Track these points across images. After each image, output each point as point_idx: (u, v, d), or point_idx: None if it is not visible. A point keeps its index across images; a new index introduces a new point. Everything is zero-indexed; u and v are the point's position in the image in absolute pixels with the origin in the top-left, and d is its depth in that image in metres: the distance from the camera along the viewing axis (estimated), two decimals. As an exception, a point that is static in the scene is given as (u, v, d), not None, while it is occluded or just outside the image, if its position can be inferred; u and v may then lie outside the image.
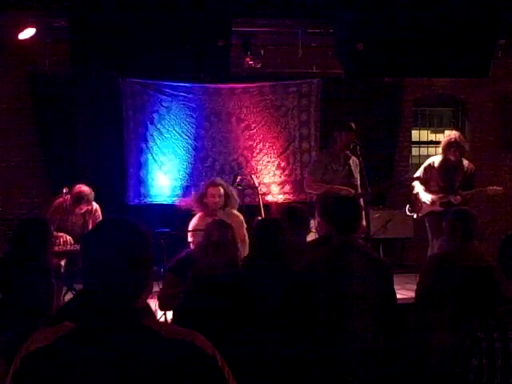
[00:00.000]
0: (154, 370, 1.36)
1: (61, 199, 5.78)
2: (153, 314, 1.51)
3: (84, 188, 5.66)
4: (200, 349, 1.42)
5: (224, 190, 5.24)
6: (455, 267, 3.24)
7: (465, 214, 3.55)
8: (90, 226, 5.79)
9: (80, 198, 5.60)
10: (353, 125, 5.68)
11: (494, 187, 5.92)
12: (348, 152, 5.71)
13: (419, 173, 6.12)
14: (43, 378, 1.37)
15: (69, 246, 5.52)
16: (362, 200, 5.46)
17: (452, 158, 5.81)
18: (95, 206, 5.83)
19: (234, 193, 5.42)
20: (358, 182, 5.81)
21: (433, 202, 5.86)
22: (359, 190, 5.73)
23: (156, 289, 3.92)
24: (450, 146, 5.79)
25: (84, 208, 5.69)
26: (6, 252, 3.41)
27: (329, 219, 3.31)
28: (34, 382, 1.37)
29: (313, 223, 5.23)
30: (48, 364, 1.37)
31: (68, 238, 5.53)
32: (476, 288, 3.16)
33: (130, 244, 1.46)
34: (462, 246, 3.40)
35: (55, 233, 5.27)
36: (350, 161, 5.72)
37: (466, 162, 5.93)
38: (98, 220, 5.83)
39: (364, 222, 5.55)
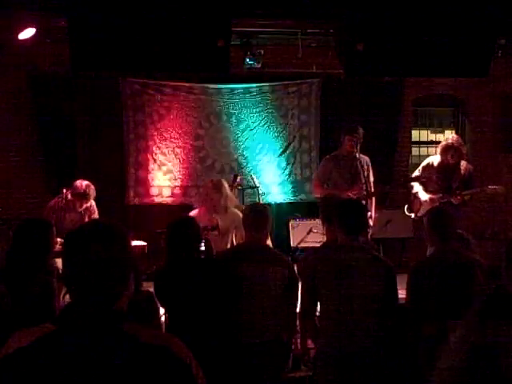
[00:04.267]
0: (127, 374, 1.37)
1: (55, 199, 5.77)
2: (131, 318, 1.51)
3: (89, 183, 5.63)
4: (175, 355, 1.42)
5: (225, 190, 5.26)
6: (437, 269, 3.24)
7: (440, 213, 3.54)
8: None
9: (87, 194, 5.59)
10: (358, 129, 5.66)
11: (494, 186, 5.91)
12: (356, 154, 5.69)
13: (418, 172, 6.13)
14: (21, 380, 1.37)
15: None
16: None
17: (450, 161, 5.81)
18: (92, 202, 5.83)
19: (231, 193, 5.43)
20: (371, 179, 5.81)
21: (432, 201, 5.86)
22: (372, 189, 5.73)
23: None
24: (447, 149, 5.79)
25: (84, 205, 5.69)
26: (7, 253, 3.39)
27: (334, 221, 3.32)
28: (12, 383, 1.37)
29: (318, 224, 5.28)
30: (26, 366, 1.37)
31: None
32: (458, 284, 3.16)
33: (106, 246, 1.46)
34: (442, 246, 3.38)
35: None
36: (358, 162, 5.69)
37: (463, 163, 5.93)
38: (94, 216, 5.83)
39: (371, 222, 5.58)
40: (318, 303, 3.25)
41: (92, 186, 5.65)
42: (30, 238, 3.29)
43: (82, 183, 5.63)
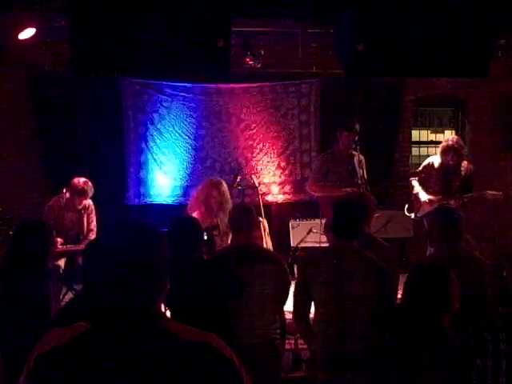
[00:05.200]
0: (170, 372, 1.35)
1: (55, 198, 5.79)
2: (167, 317, 1.50)
3: (87, 180, 5.68)
4: (218, 351, 1.41)
5: (223, 189, 5.26)
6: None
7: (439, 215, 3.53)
8: (85, 221, 5.80)
9: (85, 191, 5.62)
10: (355, 125, 5.66)
11: (493, 192, 5.92)
12: (352, 151, 5.69)
13: (418, 171, 6.14)
14: (57, 378, 1.35)
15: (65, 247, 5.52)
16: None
17: (450, 162, 5.81)
18: (89, 201, 5.85)
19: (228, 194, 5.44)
20: (366, 178, 5.81)
21: (431, 202, 5.86)
22: (368, 188, 5.73)
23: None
24: (447, 151, 5.79)
25: (84, 202, 5.70)
26: (6, 254, 3.39)
27: (329, 225, 3.33)
28: (48, 382, 1.36)
29: (318, 224, 5.28)
30: (62, 364, 1.36)
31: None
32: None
33: (143, 246, 1.44)
34: (446, 247, 3.37)
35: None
36: (354, 159, 5.70)
37: (464, 163, 5.93)
38: (92, 215, 5.85)
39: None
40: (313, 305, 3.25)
41: (90, 183, 5.68)
42: (27, 239, 3.29)
43: (79, 180, 5.67)
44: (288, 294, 3.62)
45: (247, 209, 3.69)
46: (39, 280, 3.21)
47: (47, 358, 1.38)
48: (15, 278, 3.20)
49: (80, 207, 5.74)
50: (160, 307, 1.48)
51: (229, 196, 5.40)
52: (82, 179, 5.69)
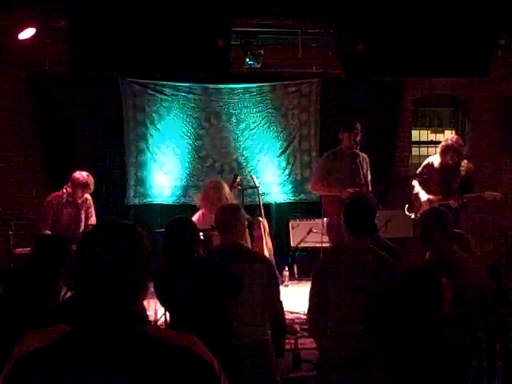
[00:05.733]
0: (149, 376, 1.34)
1: (53, 193, 5.79)
2: (148, 319, 1.49)
3: (88, 174, 5.71)
4: (198, 355, 1.39)
5: (225, 191, 5.26)
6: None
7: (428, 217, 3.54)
8: (83, 217, 5.81)
9: (86, 184, 5.65)
10: (355, 125, 5.66)
11: (492, 193, 5.92)
12: (356, 150, 5.68)
13: (419, 171, 6.14)
14: (36, 381, 1.34)
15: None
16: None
17: (449, 162, 5.81)
18: (88, 196, 5.87)
19: (231, 194, 5.44)
20: (369, 178, 5.82)
21: (431, 203, 5.86)
22: (369, 188, 5.74)
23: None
24: (447, 150, 5.80)
25: (85, 195, 5.74)
26: (20, 268, 3.42)
27: (343, 221, 3.32)
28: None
29: (318, 224, 5.28)
30: (42, 366, 1.34)
31: None
32: None
33: (125, 246, 1.43)
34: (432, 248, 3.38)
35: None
36: (358, 159, 5.69)
37: (464, 163, 5.92)
38: (91, 209, 5.86)
39: None
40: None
41: (91, 177, 5.72)
42: (45, 257, 3.31)
43: (81, 173, 5.73)
44: (279, 293, 3.62)
45: (231, 209, 3.68)
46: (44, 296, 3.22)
47: (26, 360, 1.36)
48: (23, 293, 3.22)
49: (80, 201, 5.75)
50: (141, 308, 1.47)
51: (232, 196, 5.38)
52: (85, 172, 5.72)
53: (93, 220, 5.87)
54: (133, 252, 1.43)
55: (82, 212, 5.83)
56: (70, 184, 5.72)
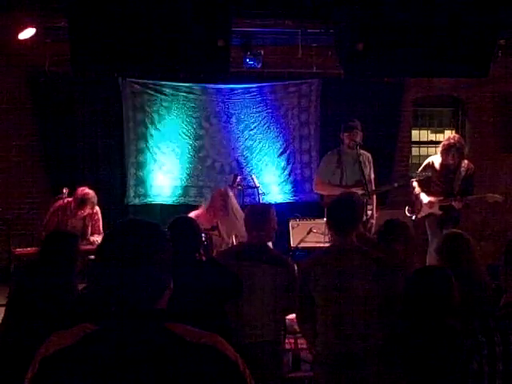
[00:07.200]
0: (176, 373, 1.35)
1: (60, 202, 5.73)
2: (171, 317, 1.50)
3: (88, 191, 5.63)
4: (222, 353, 1.41)
5: (231, 201, 5.31)
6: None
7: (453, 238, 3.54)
8: (89, 230, 5.76)
9: (85, 201, 5.57)
10: (355, 124, 5.66)
11: (494, 195, 5.93)
12: (358, 150, 5.68)
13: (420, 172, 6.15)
14: (63, 381, 1.34)
15: None
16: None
17: (451, 161, 5.81)
18: (96, 208, 5.81)
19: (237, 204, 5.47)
20: (372, 177, 5.82)
21: (432, 204, 5.86)
22: (373, 187, 5.73)
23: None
24: (449, 149, 5.80)
25: (87, 211, 5.66)
26: (35, 260, 3.45)
27: (327, 222, 3.33)
28: None
29: (318, 224, 5.27)
30: (68, 366, 1.35)
31: None
32: None
33: (149, 245, 1.44)
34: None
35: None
36: (361, 158, 5.68)
37: (465, 163, 5.92)
38: (98, 223, 5.82)
39: (373, 221, 5.58)
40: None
41: (91, 193, 5.62)
42: (57, 252, 3.33)
43: (81, 190, 5.64)
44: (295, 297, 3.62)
45: (261, 209, 3.70)
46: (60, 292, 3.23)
47: (53, 361, 1.36)
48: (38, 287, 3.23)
49: (84, 215, 5.69)
50: (164, 306, 1.47)
51: (235, 206, 5.38)
52: (85, 190, 5.64)
53: (96, 237, 5.68)
54: (157, 250, 1.45)
55: (89, 225, 5.77)
56: (73, 198, 5.68)
